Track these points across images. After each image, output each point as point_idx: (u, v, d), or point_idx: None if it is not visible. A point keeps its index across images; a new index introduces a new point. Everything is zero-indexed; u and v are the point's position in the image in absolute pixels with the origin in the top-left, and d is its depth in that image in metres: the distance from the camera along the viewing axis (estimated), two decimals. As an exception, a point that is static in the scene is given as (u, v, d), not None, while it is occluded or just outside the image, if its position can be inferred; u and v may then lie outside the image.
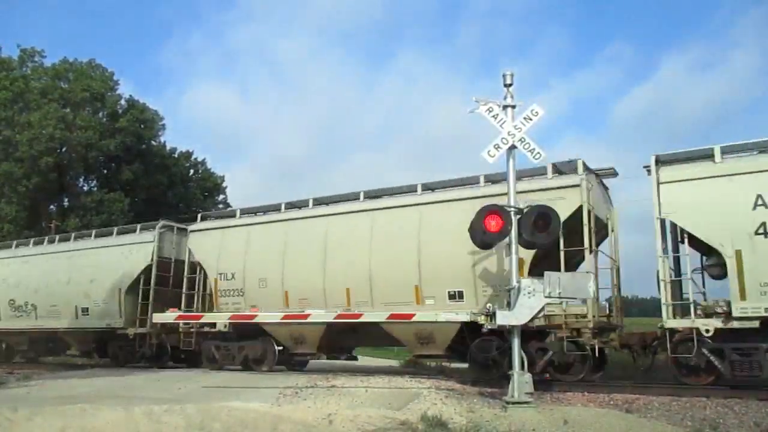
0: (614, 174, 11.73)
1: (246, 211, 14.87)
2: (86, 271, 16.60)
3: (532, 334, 9.99)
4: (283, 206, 13.99)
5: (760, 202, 8.93)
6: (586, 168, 10.77)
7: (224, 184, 39.10)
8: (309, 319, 12.26)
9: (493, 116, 8.85)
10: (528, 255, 9.96)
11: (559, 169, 10.95)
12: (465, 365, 14.31)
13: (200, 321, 14.23)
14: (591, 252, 10.12)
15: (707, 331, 8.99)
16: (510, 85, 8.97)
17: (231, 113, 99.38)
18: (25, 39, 71.92)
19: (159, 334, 15.26)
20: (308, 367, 14.50)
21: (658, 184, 9.71)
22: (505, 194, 8.91)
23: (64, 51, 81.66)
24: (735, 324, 8.91)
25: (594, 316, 9.88)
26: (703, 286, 10.19)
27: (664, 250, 9.93)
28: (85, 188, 34.16)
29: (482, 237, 8.84)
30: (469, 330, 10.48)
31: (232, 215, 15.12)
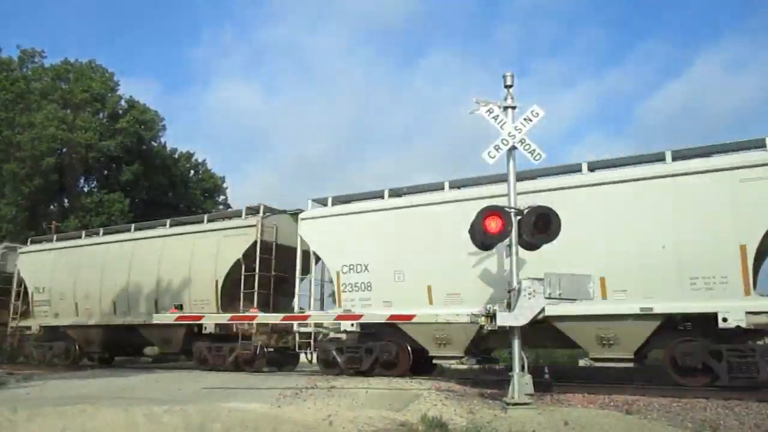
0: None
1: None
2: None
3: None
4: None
5: None
6: None
7: (225, 185, 39.19)
8: (309, 320, 12.29)
9: (494, 117, 8.85)
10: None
11: None
12: (463, 366, 14.36)
13: (200, 322, 14.19)
14: None
15: None
16: (510, 86, 8.97)
17: (255, 111, 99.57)
18: (44, 34, 71.87)
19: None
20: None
21: None
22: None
23: (88, 46, 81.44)
24: None
25: None
26: None
27: None
28: (85, 189, 34.19)
29: (482, 238, 8.84)
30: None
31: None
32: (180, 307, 14.17)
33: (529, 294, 8.00)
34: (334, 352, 12.18)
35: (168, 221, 16.12)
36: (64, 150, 30.75)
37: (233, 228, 14.22)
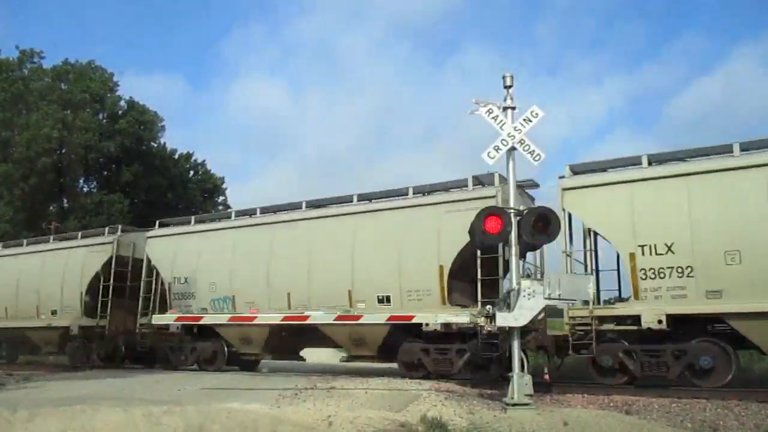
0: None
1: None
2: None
3: None
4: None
5: None
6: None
7: (224, 186, 39.22)
8: (308, 321, 12.29)
9: (493, 118, 8.85)
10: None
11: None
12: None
13: (200, 323, 14.18)
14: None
15: None
16: (510, 86, 8.98)
17: (280, 109, 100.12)
18: (65, 28, 72.47)
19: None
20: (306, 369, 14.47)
21: None
22: None
23: (119, 41, 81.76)
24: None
25: None
26: None
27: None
28: (85, 189, 34.23)
29: (482, 238, 8.84)
30: None
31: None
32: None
33: (529, 294, 8.00)
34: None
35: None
36: (63, 150, 30.78)
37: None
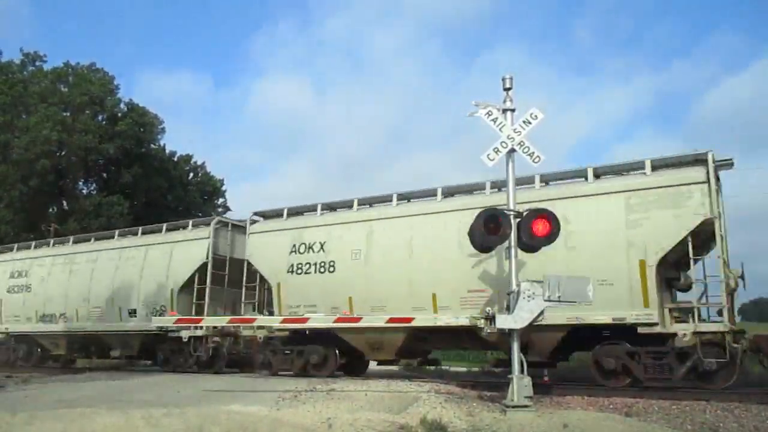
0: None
1: None
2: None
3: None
4: None
5: None
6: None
7: (223, 188, 39.28)
8: (307, 324, 12.27)
9: (492, 120, 8.86)
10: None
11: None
12: (463, 368, 14.35)
13: (201, 324, 14.14)
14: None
15: None
16: (509, 89, 8.98)
17: (302, 108, 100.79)
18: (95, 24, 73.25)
19: None
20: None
21: None
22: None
23: (155, 39, 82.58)
24: None
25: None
26: None
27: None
28: (85, 191, 34.28)
29: (481, 240, 8.84)
30: None
31: None
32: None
33: (528, 296, 7.99)
34: None
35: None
36: (63, 152, 30.83)
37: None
